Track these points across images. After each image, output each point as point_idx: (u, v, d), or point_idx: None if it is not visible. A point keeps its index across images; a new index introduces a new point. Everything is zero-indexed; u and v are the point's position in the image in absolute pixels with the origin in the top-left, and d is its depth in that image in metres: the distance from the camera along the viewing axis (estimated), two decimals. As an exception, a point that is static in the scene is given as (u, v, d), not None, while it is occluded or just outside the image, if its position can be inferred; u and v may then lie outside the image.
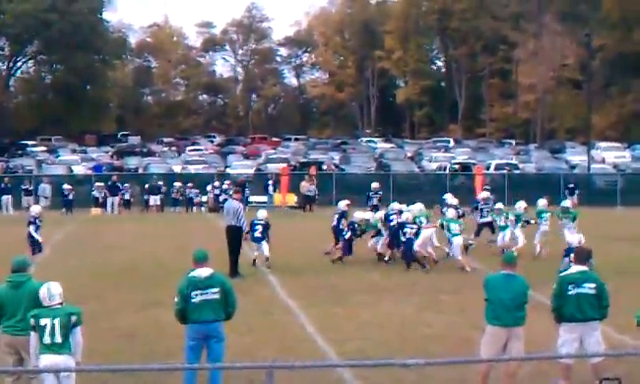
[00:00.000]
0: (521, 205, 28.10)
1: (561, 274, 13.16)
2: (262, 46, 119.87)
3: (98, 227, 39.84)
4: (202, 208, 49.93)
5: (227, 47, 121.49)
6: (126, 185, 52.05)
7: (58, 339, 10.88)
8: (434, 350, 14.96)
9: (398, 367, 13.03)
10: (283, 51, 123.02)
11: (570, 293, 12.80)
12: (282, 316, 18.23)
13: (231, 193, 30.48)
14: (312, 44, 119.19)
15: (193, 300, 12.21)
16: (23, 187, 51.89)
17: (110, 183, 51.15)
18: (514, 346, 12.62)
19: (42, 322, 10.91)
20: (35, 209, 26.42)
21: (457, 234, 24.70)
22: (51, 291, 11.11)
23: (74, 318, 11.07)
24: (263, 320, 17.61)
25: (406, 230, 24.68)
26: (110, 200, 50.28)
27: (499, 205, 28.73)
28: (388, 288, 21.50)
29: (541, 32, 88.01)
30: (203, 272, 12.40)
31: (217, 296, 12.29)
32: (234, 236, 23.90)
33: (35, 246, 24.77)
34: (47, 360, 10.85)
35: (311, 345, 15.55)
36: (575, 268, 13.13)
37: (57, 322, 10.90)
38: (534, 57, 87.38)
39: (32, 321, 10.99)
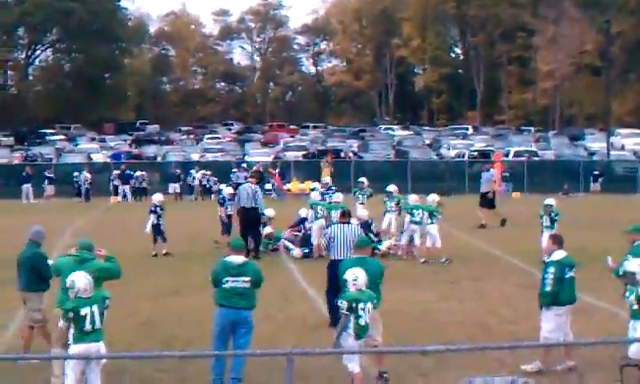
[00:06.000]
0: (434, 198, 24.72)
1: (556, 260, 13.14)
2: (279, 34, 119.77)
3: (117, 215, 39.95)
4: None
5: (244, 35, 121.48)
6: (138, 172, 51.79)
7: (98, 325, 10.89)
8: (453, 336, 14.95)
9: (416, 354, 13.11)
10: (301, 39, 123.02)
11: (567, 276, 13.09)
12: (301, 303, 18.29)
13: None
14: (329, 32, 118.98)
15: (223, 285, 12.33)
16: (47, 175, 52.12)
17: (120, 172, 51.26)
18: (375, 326, 12.64)
19: (83, 312, 10.83)
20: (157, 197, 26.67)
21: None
22: (89, 284, 11.03)
23: (107, 302, 11.16)
24: (282, 307, 17.68)
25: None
26: (121, 188, 50.38)
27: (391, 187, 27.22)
28: (407, 275, 21.46)
29: (560, 18, 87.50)
30: (237, 259, 12.48)
31: (247, 285, 12.36)
32: (251, 218, 23.97)
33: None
34: (81, 348, 10.79)
35: (330, 332, 15.54)
36: (562, 253, 13.28)
37: (95, 308, 10.91)
38: (553, 43, 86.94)
39: (70, 314, 10.84)
